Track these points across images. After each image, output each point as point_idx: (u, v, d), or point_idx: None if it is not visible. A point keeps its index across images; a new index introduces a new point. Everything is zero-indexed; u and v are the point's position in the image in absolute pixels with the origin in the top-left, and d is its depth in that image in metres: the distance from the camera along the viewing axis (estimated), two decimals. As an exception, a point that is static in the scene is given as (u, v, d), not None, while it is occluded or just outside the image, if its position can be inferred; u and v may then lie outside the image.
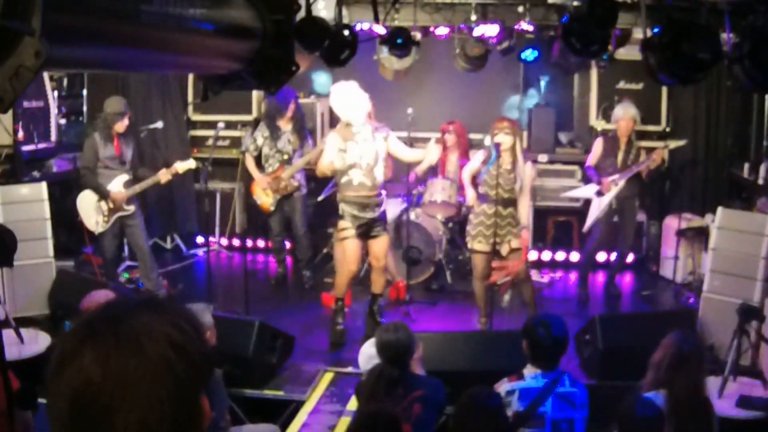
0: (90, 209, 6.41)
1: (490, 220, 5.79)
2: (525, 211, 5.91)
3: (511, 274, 6.00)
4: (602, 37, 3.89)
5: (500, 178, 5.73)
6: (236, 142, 8.30)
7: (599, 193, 6.82)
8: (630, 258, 7.99)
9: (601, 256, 7.57)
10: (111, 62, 2.05)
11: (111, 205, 6.36)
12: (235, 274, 7.45)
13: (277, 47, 2.71)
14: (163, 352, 1.04)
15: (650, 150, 6.80)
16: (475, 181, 6.07)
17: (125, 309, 1.10)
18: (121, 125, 6.30)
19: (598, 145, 6.92)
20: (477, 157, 6.04)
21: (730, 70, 3.35)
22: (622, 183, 6.73)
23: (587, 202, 7.12)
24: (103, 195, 6.33)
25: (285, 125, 7.01)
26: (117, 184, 6.38)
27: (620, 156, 6.78)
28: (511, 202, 5.87)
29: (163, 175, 6.47)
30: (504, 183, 5.79)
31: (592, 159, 6.94)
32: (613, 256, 7.41)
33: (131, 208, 6.48)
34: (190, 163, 6.61)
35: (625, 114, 6.76)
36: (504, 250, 5.93)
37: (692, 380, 3.35)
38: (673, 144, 6.99)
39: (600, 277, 7.59)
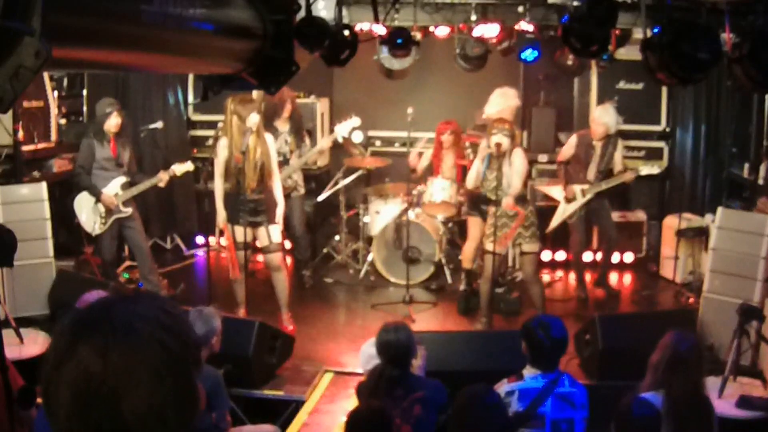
0: (88, 211, 6.41)
1: (501, 221, 5.80)
2: (510, 198, 5.85)
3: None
4: (602, 37, 3.89)
5: (492, 182, 5.75)
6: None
7: (567, 199, 6.85)
8: (630, 258, 8.00)
9: (588, 256, 7.57)
10: (111, 62, 2.05)
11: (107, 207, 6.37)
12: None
13: (277, 47, 2.70)
14: (156, 332, 1.08)
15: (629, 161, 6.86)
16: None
17: (111, 302, 1.14)
18: (113, 124, 6.30)
19: (572, 144, 6.91)
20: (477, 160, 6.03)
21: (730, 70, 3.35)
22: (590, 196, 6.75)
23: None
24: (95, 195, 6.33)
25: (282, 126, 7.01)
26: (114, 186, 6.38)
27: (595, 160, 6.76)
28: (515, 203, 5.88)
29: (162, 177, 6.47)
30: (497, 185, 5.80)
31: (564, 155, 6.95)
32: (599, 255, 7.42)
33: (129, 210, 6.47)
34: (188, 166, 6.62)
35: (598, 119, 6.73)
36: (516, 252, 5.94)
37: (690, 381, 3.34)
38: (646, 170, 6.94)
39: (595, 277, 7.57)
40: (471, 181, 6.13)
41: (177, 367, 1.08)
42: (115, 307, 1.11)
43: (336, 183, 7.77)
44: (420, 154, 7.52)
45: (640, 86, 7.95)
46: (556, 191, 7.01)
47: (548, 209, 7.44)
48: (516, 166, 5.87)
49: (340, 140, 7.06)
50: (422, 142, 7.75)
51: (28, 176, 6.78)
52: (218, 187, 5.92)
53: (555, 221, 6.98)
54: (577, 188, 6.79)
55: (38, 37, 1.35)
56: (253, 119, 5.63)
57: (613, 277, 7.69)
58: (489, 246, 5.93)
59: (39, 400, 2.65)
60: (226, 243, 6.12)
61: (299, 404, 4.97)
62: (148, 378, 1.05)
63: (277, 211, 5.91)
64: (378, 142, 8.67)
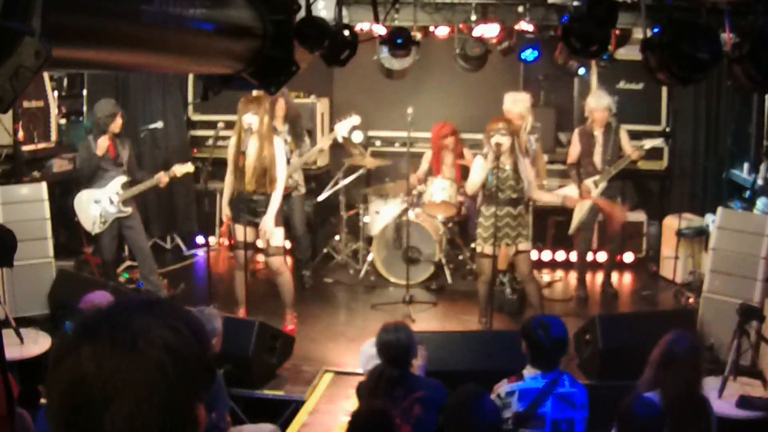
0: (87, 210, 6.41)
1: (502, 222, 5.78)
2: (547, 196, 6.13)
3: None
4: (602, 37, 3.89)
5: (503, 181, 5.73)
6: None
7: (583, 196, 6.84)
8: (630, 258, 8.00)
9: (589, 256, 7.56)
10: (111, 62, 2.05)
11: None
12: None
13: (277, 47, 2.70)
14: (158, 355, 1.04)
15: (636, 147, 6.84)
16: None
17: (124, 310, 1.11)
18: (116, 125, 6.31)
19: (575, 140, 6.91)
20: (477, 166, 5.96)
21: (730, 70, 3.35)
22: (603, 185, 6.74)
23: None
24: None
25: (280, 125, 7.00)
26: (115, 186, 6.38)
27: (599, 149, 6.76)
28: (521, 201, 5.87)
29: (162, 179, 6.47)
30: (513, 184, 5.79)
31: (572, 156, 6.93)
32: (603, 255, 7.41)
33: (129, 209, 6.46)
34: (189, 167, 6.62)
35: (598, 105, 6.71)
36: (510, 251, 5.92)
37: (684, 380, 3.34)
38: (649, 143, 6.95)
39: (598, 277, 7.58)
40: (474, 185, 5.89)
41: (171, 393, 1.05)
42: (125, 317, 1.08)
43: (336, 183, 7.77)
44: (419, 179, 7.46)
45: (640, 86, 7.96)
46: (569, 191, 7.00)
47: (553, 209, 7.45)
48: (530, 176, 5.95)
49: (340, 139, 7.06)
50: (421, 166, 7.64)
51: (28, 176, 6.79)
52: (227, 183, 5.98)
53: (575, 221, 6.95)
54: (589, 181, 6.79)
55: (38, 37, 1.35)
56: (247, 120, 5.64)
57: (613, 277, 7.68)
58: (488, 249, 5.87)
59: (43, 400, 2.65)
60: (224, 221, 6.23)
61: (299, 404, 4.96)
62: (135, 397, 1.02)
63: (266, 217, 5.77)
64: (378, 142, 8.67)
